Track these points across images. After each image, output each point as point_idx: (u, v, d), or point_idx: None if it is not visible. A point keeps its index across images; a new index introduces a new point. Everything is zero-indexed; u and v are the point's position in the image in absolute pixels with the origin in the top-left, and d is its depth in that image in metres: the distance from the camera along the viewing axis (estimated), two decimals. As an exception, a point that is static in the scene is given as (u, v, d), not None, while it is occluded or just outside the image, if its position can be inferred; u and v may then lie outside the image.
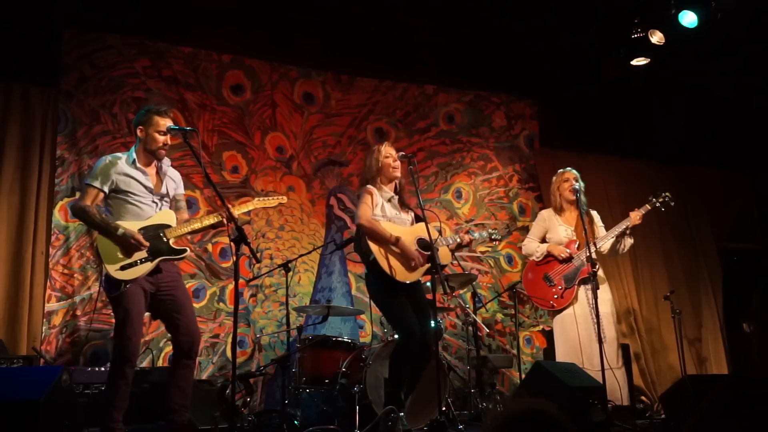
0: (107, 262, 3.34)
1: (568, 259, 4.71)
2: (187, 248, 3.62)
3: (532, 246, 4.92)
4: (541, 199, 6.69)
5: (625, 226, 4.71)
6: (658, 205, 4.82)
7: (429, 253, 3.78)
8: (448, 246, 4.01)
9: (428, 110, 6.49)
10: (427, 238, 3.76)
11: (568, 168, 4.96)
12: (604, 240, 4.75)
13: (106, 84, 5.37)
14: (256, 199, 3.82)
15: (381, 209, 3.92)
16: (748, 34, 6.17)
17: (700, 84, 6.89)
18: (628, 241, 4.79)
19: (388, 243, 3.82)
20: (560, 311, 4.72)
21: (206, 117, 5.67)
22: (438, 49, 6.32)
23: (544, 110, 6.92)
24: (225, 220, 3.50)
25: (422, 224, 3.86)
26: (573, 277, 4.67)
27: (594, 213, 4.94)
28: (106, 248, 3.37)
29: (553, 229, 4.86)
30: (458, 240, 4.04)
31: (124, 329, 3.33)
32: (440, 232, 3.92)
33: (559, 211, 4.90)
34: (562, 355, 4.69)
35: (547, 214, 4.99)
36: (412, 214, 4.07)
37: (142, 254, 3.39)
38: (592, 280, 4.28)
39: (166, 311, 3.52)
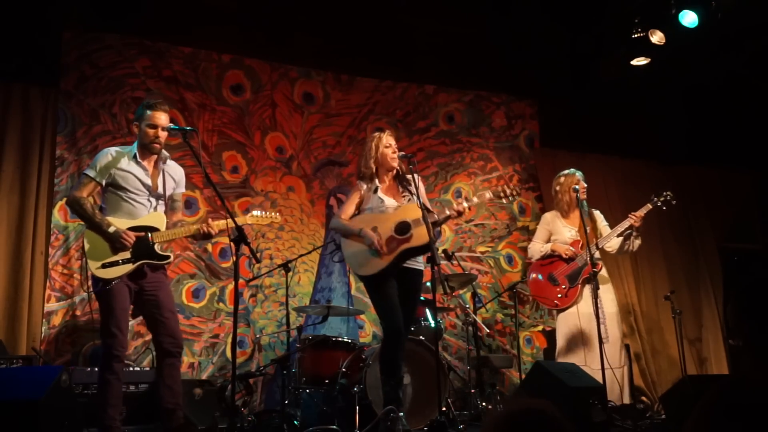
0: (90, 259, 3.37)
1: (572, 258, 4.73)
2: (171, 255, 3.61)
3: (536, 247, 4.97)
4: (541, 199, 6.69)
5: (623, 228, 4.73)
6: (659, 204, 4.83)
7: (403, 236, 3.75)
8: (436, 221, 3.83)
9: (428, 110, 6.48)
10: (408, 221, 3.75)
11: (572, 170, 4.99)
12: (606, 241, 4.76)
13: (106, 84, 5.36)
14: (250, 214, 3.78)
15: (366, 202, 3.92)
16: (748, 34, 6.17)
17: (700, 84, 6.89)
18: (636, 243, 4.82)
19: (352, 234, 3.83)
20: (564, 310, 4.75)
21: (206, 117, 5.67)
22: (438, 49, 6.32)
23: (544, 110, 6.92)
24: (201, 235, 3.51)
25: (409, 206, 3.81)
26: (576, 275, 4.70)
27: (597, 213, 4.96)
28: (91, 244, 3.39)
29: (558, 231, 4.91)
30: (448, 213, 3.84)
31: (109, 326, 3.36)
32: (427, 210, 3.75)
33: (565, 212, 4.92)
34: (563, 353, 4.71)
35: (550, 216, 5.03)
36: (407, 198, 3.93)
37: (125, 254, 3.41)
38: (592, 280, 4.32)
39: (149, 311, 3.53)
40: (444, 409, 3.78)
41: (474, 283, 5.33)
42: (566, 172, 5.00)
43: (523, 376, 5.23)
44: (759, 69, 6.59)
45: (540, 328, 6.37)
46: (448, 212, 3.83)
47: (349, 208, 3.93)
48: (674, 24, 5.64)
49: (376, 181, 3.94)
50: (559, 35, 6.37)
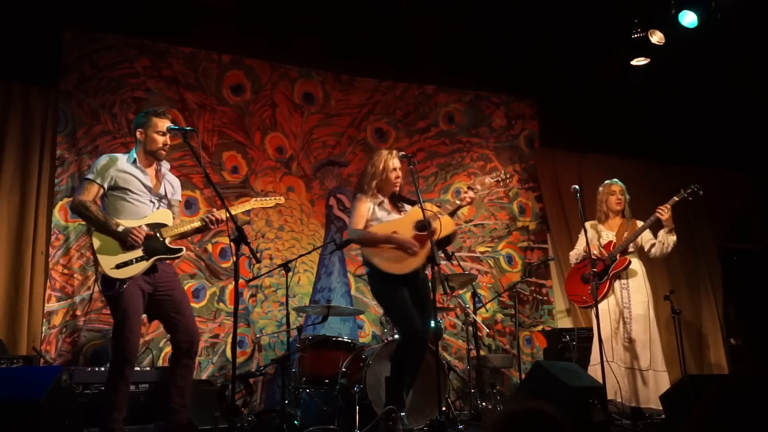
0: (103, 261, 3.33)
1: (599, 258, 4.78)
2: (183, 248, 3.60)
3: (574, 253, 5.08)
4: (541, 199, 6.70)
5: (651, 222, 4.79)
6: (686, 195, 4.87)
7: (426, 232, 3.75)
8: (449, 213, 3.95)
9: (428, 110, 6.49)
10: (423, 219, 3.77)
11: (615, 180, 5.08)
12: (635, 237, 4.81)
13: (106, 84, 5.37)
14: (254, 199, 3.80)
15: (372, 214, 3.93)
16: (748, 34, 6.17)
17: (700, 84, 6.89)
18: (671, 239, 4.85)
19: (382, 243, 3.83)
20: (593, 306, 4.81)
21: (206, 117, 5.67)
22: (438, 49, 6.32)
23: (544, 110, 6.93)
24: (208, 223, 3.51)
25: (416, 209, 3.83)
26: (604, 273, 4.77)
27: (640, 223, 5.00)
28: (102, 247, 3.36)
29: (595, 237, 4.99)
30: (458, 202, 3.98)
31: (122, 329, 3.32)
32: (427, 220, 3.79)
33: (603, 221, 5.00)
34: (595, 350, 4.74)
35: (589, 225, 5.07)
36: (408, 210, 4.02)
37: (138, 253, 3.38)
38: (592, 280, 4.35)
39: (165, 312, 3.50)
40: (444, 408, 3.78)
41: (474, 283, 5.33)
42: (606, 182, 5.10)
43: (523, 376, 5.23)
44: (759, 69, 6.59)
45: (540, 328, 6.37)
46: (459, 202, 3.97)
47: (361, 222, 3.92)
48: (674, 24, 5.64)
49: (380, 196, 3.97)
50: (559, 35, 6.38)
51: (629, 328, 4.68)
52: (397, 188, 4.02)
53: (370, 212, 3.93)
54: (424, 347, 3.84)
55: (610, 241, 4.88)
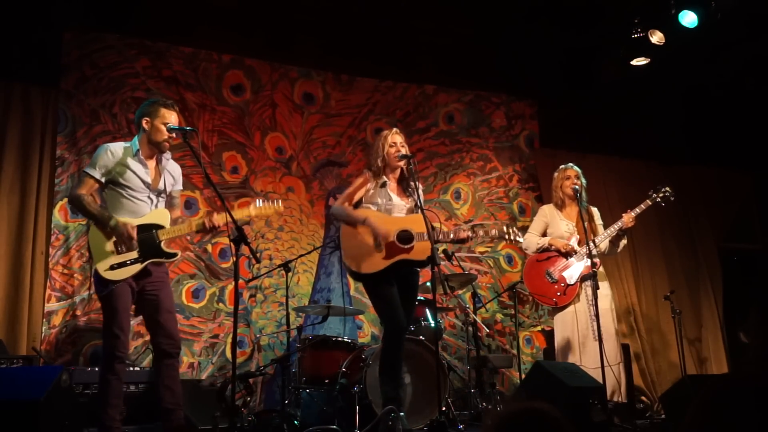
0: (97, 261, 3.36)
1: (570, 254, 4.66)
2: (178, 252, 3.60)
3: (533, 239, 4.83)
4: (541, 199, 6.69)
5: (618, 227, 4.66)
6: (658, 200, 4.73)
7: (404, 246, 3.74)
8: (438, 240, 3.83)
9: (428, 110, 6.49)
10: (412, 232, 3.75)
11: (570, 164, 4.91)
12: (602, 240, 4.71)
13: (106, 84, 5.37)
14: (252, 205, 3.73)
15: (370, 196, 3.90)
16: (748, 34, 6.17)
17: (700, 84, 6.89)
18: (622, 243, 4.77)
19: (356, 223, 3.81)
20: (562, 308, 4.69)
21: (206, 117, 5.67)
22: (438, 49, 6.33)
23: (544, 110, 6.92)
24: (207, 229, 3.49)
25: (417, 217, 3.80)
26: (576, 272, 4.63)
27: (594, 210, 4.91)
28: (97, 246, 3.38)
29: (555, 224, 4.82)
30: (452, 237, 3.86)
31: (112, 327, 3.35)
32: (432, 228, 3.72)
33: (560, 206, 4.88)
34: (560, 353, 4.69)
35: (548, 209, 4.96)
36: (414, 202, 3.92)
37: (133, 255, 3.39)
38: (592, 278, 4.28)
39: (147, 311, 3.52)
40: (444, 409, 3.78)
41: (474, 283, 5.33)
42: (562, 166, 4.95)
43: (523, 376, 5.23)
44: (758, 69, 6.60)
45: (540, 328, 6.37)
46: (452, 236, 3.85)
47: (353, 197, 3.89)
48: (674, 24, 5.65)
49: (384, 177, 3.92)
50: (559, 35, 6.37)
51: (599, 324, 4.50)
52: (401, 163, 3.90)
53: (372, 194, 3.90)
54: (403, 341, 3.82)
55: (572, 235, 4.72)
